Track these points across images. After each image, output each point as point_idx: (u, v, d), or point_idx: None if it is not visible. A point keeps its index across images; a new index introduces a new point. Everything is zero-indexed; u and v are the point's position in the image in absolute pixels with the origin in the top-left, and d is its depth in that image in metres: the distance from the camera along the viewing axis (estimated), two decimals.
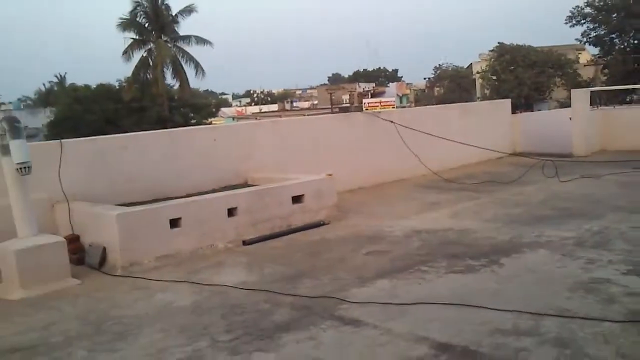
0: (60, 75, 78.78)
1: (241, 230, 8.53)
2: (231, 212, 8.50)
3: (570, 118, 15.73)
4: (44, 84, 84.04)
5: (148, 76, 47.62)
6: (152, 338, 5.26)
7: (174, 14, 48.03)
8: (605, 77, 38.23)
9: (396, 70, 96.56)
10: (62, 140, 8.76)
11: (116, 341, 5.25)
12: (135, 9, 47.06)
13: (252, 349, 4.88)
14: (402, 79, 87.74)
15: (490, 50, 53.85)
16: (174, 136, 10.76)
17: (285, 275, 6.85)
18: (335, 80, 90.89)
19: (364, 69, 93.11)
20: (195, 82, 52.50)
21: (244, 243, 8.43)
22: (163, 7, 47.60)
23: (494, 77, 50.91)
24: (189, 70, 47.90)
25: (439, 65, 72.39)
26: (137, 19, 47.56)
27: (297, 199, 9.29)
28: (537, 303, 5.31)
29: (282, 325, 5.33)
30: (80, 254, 7.86)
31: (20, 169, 6.73)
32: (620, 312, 5.03)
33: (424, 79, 76.25)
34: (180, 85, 48.92)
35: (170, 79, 48.50)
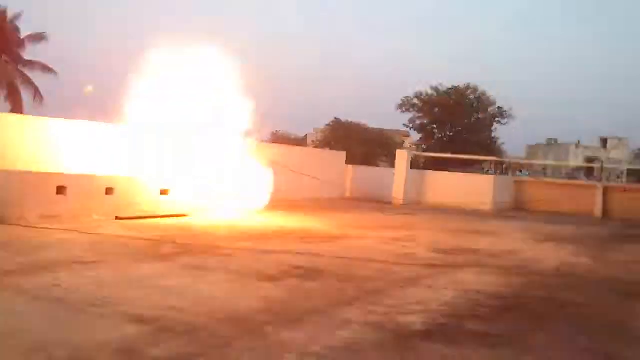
0: None
1: (115, 208, 9.64)
2: (109, 191, 9.61)
3: (393, 173, 18.54)
4: None
5: None
6: (61, 251, 6.35)
7: (21, 37, 46.37)
8: (425, 160, 43.22)
9: None
10: None
11: (34, 251, 6.26)
12: None
13: (152, 262, 6.21)
14: None
15: (326, 125, 58.23)
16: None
17: (161, 235, 8.12)
18: None
19: None
20: (30, 109, 50.53)
21: (117, 218, 9.53)
22: (10, 26, 45.71)
23: (328, 149, 54.88)
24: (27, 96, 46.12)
25: (276, 131, 75.80)
26: None
27: (164, 192, 10.60)
28: (369, 257, 7.18)
29: (172, 253, 6.72)
30: None
31: None
32: (421, 264, 7.08)
33: (262, 141, 79.19)
34: (12, 110, 46.84)
35: (2, 102, 46.15)
